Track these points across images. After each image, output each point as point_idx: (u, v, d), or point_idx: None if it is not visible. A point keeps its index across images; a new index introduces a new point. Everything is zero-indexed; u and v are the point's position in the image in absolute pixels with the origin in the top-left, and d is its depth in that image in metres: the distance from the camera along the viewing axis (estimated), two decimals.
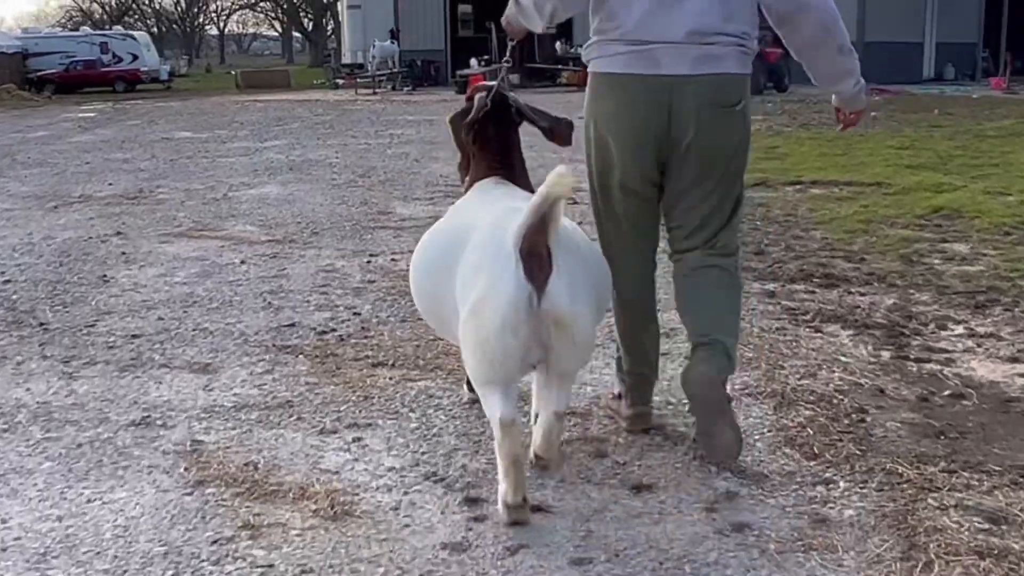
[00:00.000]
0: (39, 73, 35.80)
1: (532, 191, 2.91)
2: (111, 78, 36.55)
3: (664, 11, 2.67)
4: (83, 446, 3.08)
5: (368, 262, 5.54)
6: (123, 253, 5.92)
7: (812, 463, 2.81)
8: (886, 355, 3.75)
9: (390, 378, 3.63)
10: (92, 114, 21.66)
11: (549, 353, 2.37)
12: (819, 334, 4.02)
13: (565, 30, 24.55)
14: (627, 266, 2.93)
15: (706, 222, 2.84)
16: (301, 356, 3.92)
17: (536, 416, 2.62)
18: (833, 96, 3.02)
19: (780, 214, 6.65)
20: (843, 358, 3.72)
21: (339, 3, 37.57)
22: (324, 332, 4.23)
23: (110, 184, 9.14)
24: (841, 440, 2.94)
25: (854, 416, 3.13)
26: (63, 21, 65.06)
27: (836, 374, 3.54)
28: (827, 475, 2.73)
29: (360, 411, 3.32)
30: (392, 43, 28.69)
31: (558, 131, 3.02)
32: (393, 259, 5.58)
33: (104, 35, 42.22)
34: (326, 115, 18.19)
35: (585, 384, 3.46)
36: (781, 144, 11.01)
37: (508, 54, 3.18)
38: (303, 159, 10.88)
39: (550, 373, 2.47)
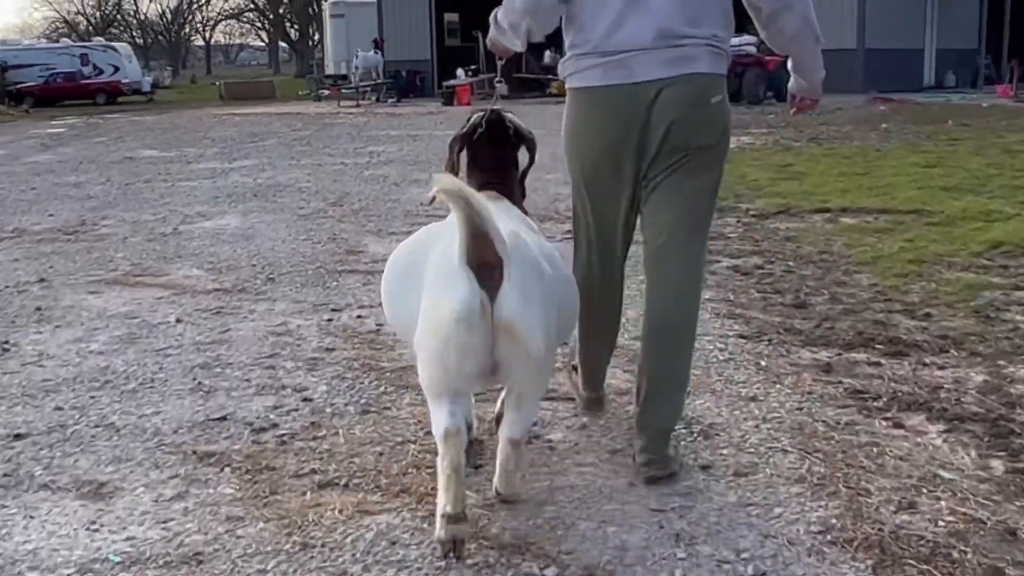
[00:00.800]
0: (18, 86, 34.96)
1: (524, 209, 2.96)
2: (91, 90, 35.89)
3: (631, 18, 2.68)
4: None
5: (329, 320, 4.59)
6: (38, 309, 4.95)
7: None
8: (998, 467, 2.84)
9: (340, 510, 2.69)
10: (61, 130, 20.70)
11: (502, 366, 2.34)
12: (901, 431, 3.11)
13: (554, 40, 23.74)
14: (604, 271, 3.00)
15: (679, 218, 2.80)
16: (227, 470, 2.98)
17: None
18: (791, 83, 3.02)
19: (814, 251, 5.73)
20: (944, 473, 2.80)
21: (323, 12, 36.74)
22: (262, 429, 3.29)
23: (50, 215, 8.13)
24: None
25: None
26: (47, 33, 64.05)
27: (943, 503, 2.61)
28: None
29: (294, 570, 2.39)
30: (376, 53, 27.94)
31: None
32: (359, 316, 4.64)
33: (85, 47, 41.53)
34: (304, 130, 17.22)
35: (607, 525, 2.54)
36: (794, 161, 10.12)
37: (500, 74, 3.37)
38: (271, 183, 9.89)
39: (508, 393, 2.53)
